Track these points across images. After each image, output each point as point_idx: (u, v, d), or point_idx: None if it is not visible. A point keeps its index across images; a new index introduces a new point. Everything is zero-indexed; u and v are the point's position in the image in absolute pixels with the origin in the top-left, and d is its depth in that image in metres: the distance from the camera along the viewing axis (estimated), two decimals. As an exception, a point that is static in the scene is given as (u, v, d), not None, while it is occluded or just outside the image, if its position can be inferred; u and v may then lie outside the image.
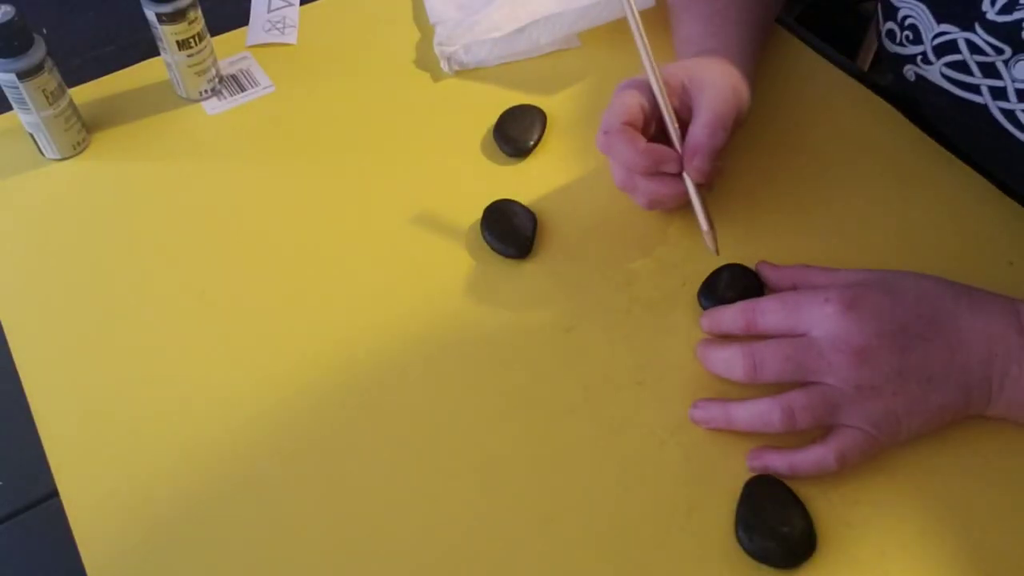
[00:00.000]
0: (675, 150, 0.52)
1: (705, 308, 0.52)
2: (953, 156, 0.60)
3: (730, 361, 0.47)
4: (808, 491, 0.45)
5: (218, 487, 0.46)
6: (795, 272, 0.51)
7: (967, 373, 0.44)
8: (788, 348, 0.45)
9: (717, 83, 0.53)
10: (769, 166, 0.59)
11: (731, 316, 0.48)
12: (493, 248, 0.55)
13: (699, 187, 0.52)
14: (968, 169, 0.59)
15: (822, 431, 0.45)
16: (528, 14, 0.67)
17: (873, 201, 0.58)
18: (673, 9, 0.65)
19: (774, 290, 0.52)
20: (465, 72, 0.68)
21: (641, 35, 0.51)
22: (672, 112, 0.52)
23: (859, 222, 0.56)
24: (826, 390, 0.44)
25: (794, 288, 0.50)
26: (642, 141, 0.51)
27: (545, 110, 0.63)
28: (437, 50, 0.68)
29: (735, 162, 0.59)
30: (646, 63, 0.51)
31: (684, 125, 0.53)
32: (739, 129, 0.55)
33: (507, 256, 0.55)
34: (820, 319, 0.44)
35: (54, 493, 0.46)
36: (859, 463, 0.45)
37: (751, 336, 0.47)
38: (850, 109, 0.64)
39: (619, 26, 0.67)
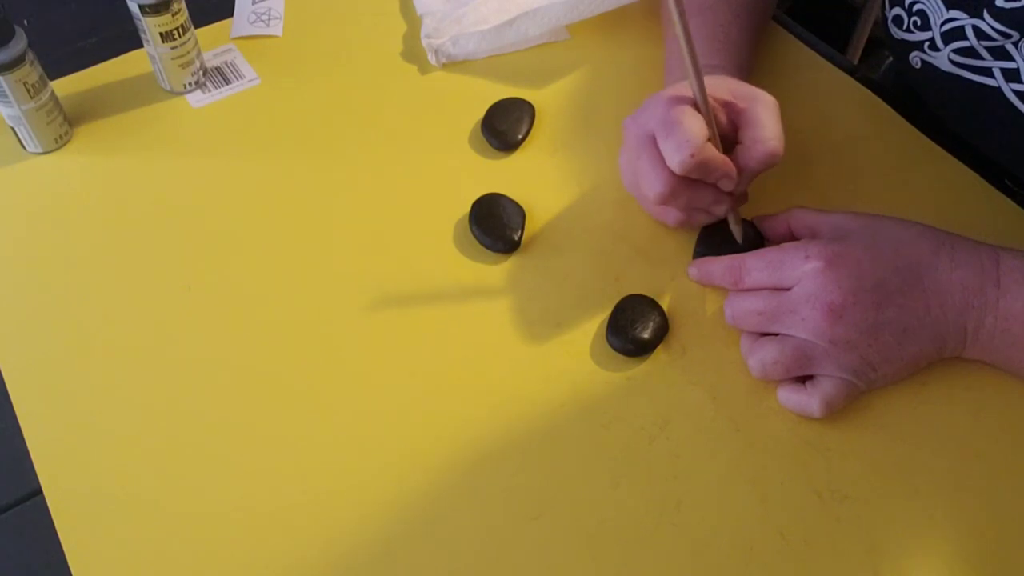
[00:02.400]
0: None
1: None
2: (942, 149, 0.60)
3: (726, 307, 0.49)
4: (795, 484, 0.45)
5: (203, 482, 0.46)
6: (787, 217, 0.52)
7: (942, 323, 0.46)
8: (761, 303, 0.47)
9: (767, 99, 0.50)
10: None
11: (719, 272, 0.50)
12: (481, 243, 0.55)
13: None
14: (956, 162, 0.59)
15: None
16: (516, 7, 0.67)
17: (861, 194, 0.58)
18: (669, 24, 0.63)
19: (771, 240, 0.53)
20: (453, 65, 0.67)
21: (693, 55, 0.47)
22: (716, 130, 0.50)
23: (848, 216, 0.56)
24: (799, 344, 0.46)
25: (789, 232, 0.52)
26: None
27: (534, 103, 0.63)
28: (424, 42, 0.67)
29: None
30: (695, 82, 0.48)
31: (725, 139, 0.51)
32: None
33: (495, 251, 0.55)
34: (800, 276, 0.46)
35: (38, 490, 0.46)
36: (843, 407, 0.47)
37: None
38: (840, 103, 0.64)
39: (608, 18, 0.67)
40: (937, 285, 0.45)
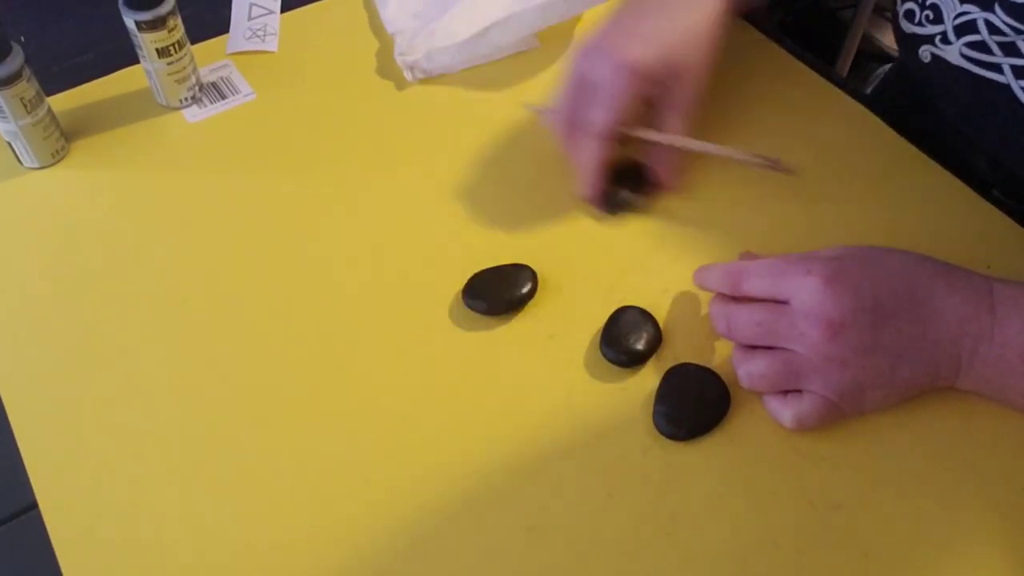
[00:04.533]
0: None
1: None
2: (931, 160, 0.60)
3: (713, 315, 0.49)
4: (789, 494, 0.45)
5: (200, 497, 0.46)
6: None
7: (936, 350, 0.45)
8: (760, 314, 0.47)
9: (694, 73, 0.54)
10: (748, 172, 0.59)
11: (718, 276, 0.50)
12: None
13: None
14: (945, 173, 0.60)
15: None
16: (485, 18, 0.66)
17: (852, 206, 0.58)
18: None
19: None
20: (443, 78, 0.67)
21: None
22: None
23: (837, 227, 0.57)
24: (790, 357, 0.46)
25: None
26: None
27: (521, 116, 0.63)
28: (399, 60, 0.67)
29: (714, 168, 0.59)
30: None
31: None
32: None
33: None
34: (800, 290, 0.46)
35: (33, 504, 0.46)
36: (817, 427, 0.47)
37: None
38: (829, 115, 0.64)
39: (575, 23, 0.68)
40: (933, 311, 0.45)
